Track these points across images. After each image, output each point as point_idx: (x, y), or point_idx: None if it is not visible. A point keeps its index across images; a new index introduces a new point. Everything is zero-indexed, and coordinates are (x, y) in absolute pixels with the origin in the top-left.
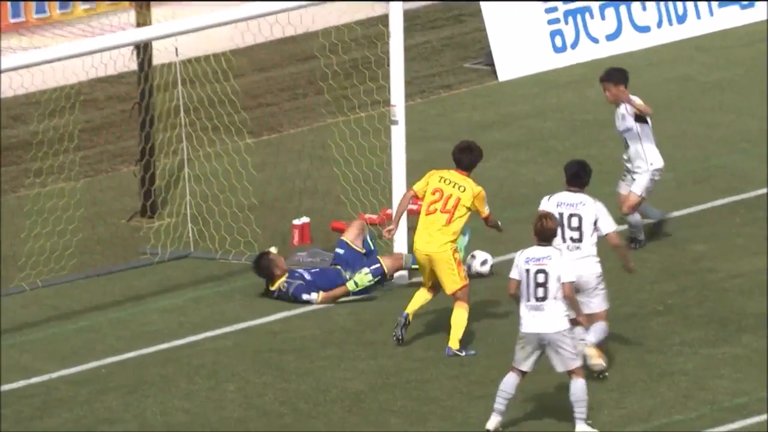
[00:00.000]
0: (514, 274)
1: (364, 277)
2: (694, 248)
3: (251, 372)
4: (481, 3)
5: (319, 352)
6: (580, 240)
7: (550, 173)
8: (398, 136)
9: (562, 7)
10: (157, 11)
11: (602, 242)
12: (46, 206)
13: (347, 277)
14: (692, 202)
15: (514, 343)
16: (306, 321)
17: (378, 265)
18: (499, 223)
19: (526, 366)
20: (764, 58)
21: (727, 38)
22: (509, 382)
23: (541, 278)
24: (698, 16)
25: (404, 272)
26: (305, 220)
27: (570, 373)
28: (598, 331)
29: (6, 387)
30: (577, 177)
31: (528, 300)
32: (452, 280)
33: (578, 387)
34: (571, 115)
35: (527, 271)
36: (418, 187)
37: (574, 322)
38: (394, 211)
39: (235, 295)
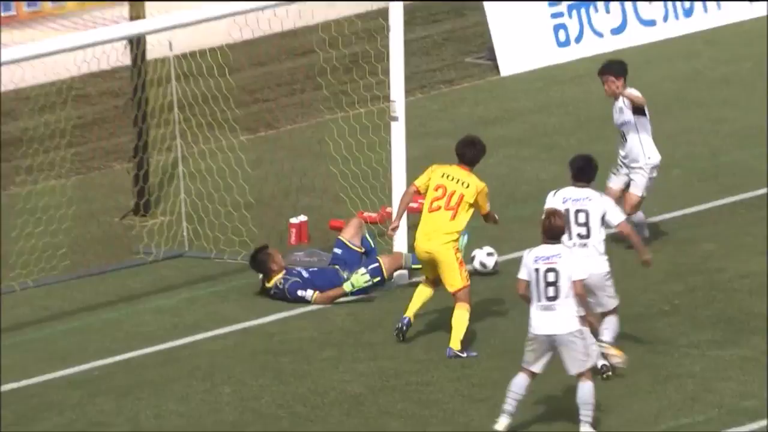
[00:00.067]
0: (522, 274)
1: (360, 277)
2: (701, 247)
3: (247, 374)
4: None
5: (317, 353)
6: (587, 236)
7: (553, 170)
8: (398, 132)
9: (566, 0)
10: (150, 4)
11: (606, 242)
12: (37, 204)
13: (345, 277)
14: (699, 199)
15: (517, 345)
16: (303, 322)
17: (376, 265)
18: (496, 216)
19: (537, 367)
20: None
21: (734, 32)
22: (519, 383)
23: (551, 277)
24: (705, 10)
25: (404, 272)
26: (303, 218)
27: (578, 375)
28: (612, 328)
29: None
30: (583, 172)
31: (539, 300)
32: (454, 279)
33: (585, 389)
34: (575, 110)
35: (536, 270)
36: (419, 182)
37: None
38: (394, 209)
39: (230, 295)
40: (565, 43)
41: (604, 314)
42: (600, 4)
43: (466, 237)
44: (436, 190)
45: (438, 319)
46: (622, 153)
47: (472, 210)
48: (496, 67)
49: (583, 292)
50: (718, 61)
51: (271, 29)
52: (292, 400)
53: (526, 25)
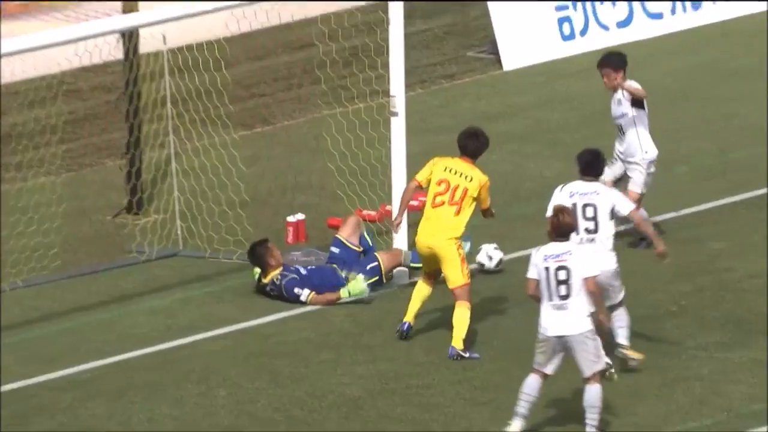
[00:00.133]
0: (531, 273)
1: (358, 284)
2: (710, 246)
3: (243, 377)
4: None
5: (315, 355)
6: (595, 231)
7: (557, 167)
8: (398, 128)
9: None
10: None
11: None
12: (27, 202)
13: (344, 275)
14: (708, 197)
15: (520, 346)
16: (301, 323)
17: (375, 264)
18: (493, 210)
19: (550, 369)
20: None
21: (744, 25)
22: (531, 384)
23: (562, 275)
24: (714, 2)
25: (404, 271)
26: (300, 216)
27: (586, 378)
28: (625, 326)
29: None
30: (591, 166)
31: (550, 299)
32: (455, 275)
33: (593, 392)
34: (580, 105)
35: (546, 269)
36: (421, 176)
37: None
38: (394, 206)
39: (226, 295)
40: (570, 37)
41: (611, 308)
42: None
43: (468, 245)
44: (439, 184)
45: (438, 319)
46: (619, 147)
47: (474, 204)
48: (499, 61)
49: (596, 289)
50: (727, 55)
51: (268, 21)
52: (289, 404)
53: (529, 18)
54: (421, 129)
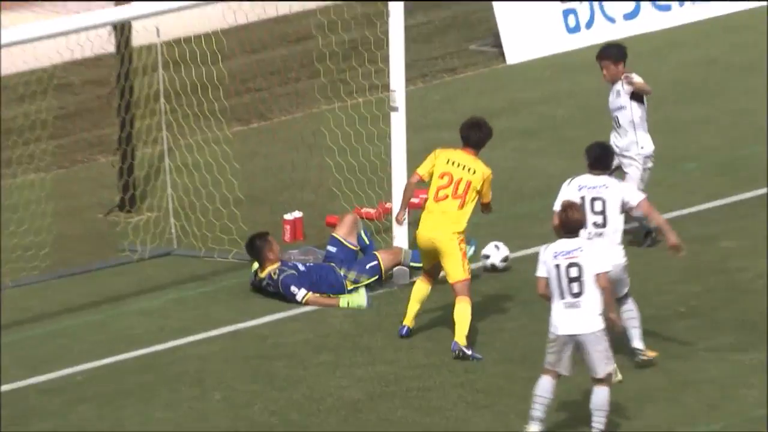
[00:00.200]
0: (541, 271)
1: (359, 298)
2: (720, 245)
3: (239, 380)
4: None
5: (313, 357)
6: (603, 225)
7: (563, 164)
8: (398, 123)
9: None
10: None
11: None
12: (16, 200)
13: (342, 273)
14: (718, 194)
15: (524, 349)
16: (298, 324)
17: (375, 263)
18: (492, 205)
19: (563, 368)
20: None
21: (755, 18)
22: (545, 386)
23: (574, 272)
24: None
25: (405, 271)
26: (297, 214)
27: (596, 380)
28: (637, 325)
29: None
30: (600, 160)
31: (562, 297)
32: (456, 269)
33: (601, 395)
34: (586, 100)
35: (557, 266)
36: (423, 169)
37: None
38: (395, 204)
39: (221, 296)
40: (575, 29)
41: (619, 301)
42: None
43: (473, 248)
44: (442, 177)
45: (439, 320)
46: (614, 140)
47: (477, 198)
48: (502, 54)
49: (608, 285)
50: (737, 48)
51: (265, 13)
52: (286, 407)
53: (533, 10)
54: (421, 125)
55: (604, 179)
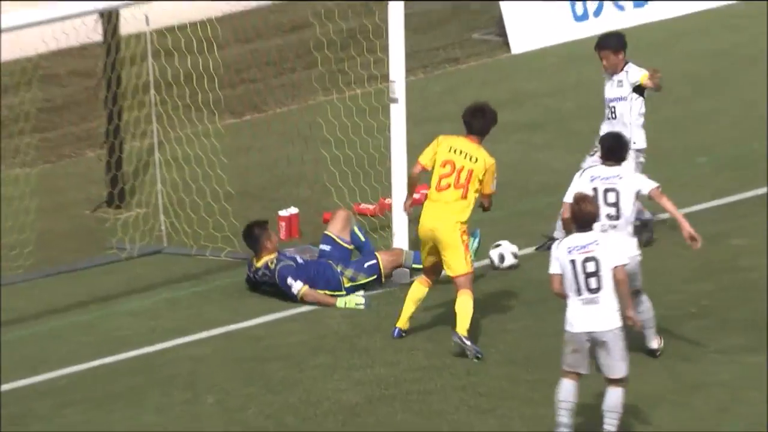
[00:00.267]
0: (554, 268)
1: (354, 299)
2: (732, 243)
3: (232, 383)
4: None
5: (309, 359)
6: (617, 217)
7: (569, 159)
8: (398, 115)
9: None
10: None
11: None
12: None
13: (339, 270)
14: (729, 190)
15: (528, 351)
16: (294, 325)
17: (374, 262)
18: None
19: (583, 368)
20: None
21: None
22: (567, 389)
23: (591, 267)
24: None
25: (404, 270)
26: (293, 211)
27: (611, 381)
28: (652, 326)
29: None
30: (613, 152)
31: (579, 294)
32: (457, 263)
33: (615, 396)
34: (594, 92)
35: (572, 262)
36: (424, 158)
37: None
38: (394, 199)
39: (213, 295)
40: (583, 17)
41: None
42: None
43: (476, 240)
44: (444, 166)
45: (440, 320)
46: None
47: (479, 187)
48: (507, 44)
49: (626, 278)
50: (750, 38)
51: (259, 1)
52: (282, 411)
53: None
54: (422, 117)
55: (618, 170)
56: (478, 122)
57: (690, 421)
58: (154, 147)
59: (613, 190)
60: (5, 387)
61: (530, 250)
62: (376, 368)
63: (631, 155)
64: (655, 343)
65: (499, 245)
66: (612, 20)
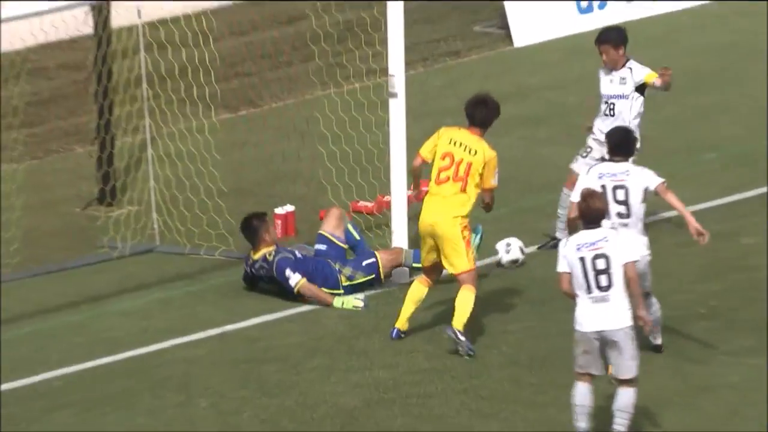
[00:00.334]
0: (562, 266)
1: (352, 300)
2: (741, 241)
3: (227, 385)
4: None
5: (306, 362)
6: (627, 215)
7: (573, 154)
8: (397, 110)
9: None
10: None
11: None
12: None
13: (337, 268)
14: (739, 187)
15: (531, 353)
16: (291, 326)
17: (373, 260)
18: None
19: (596, 369)
20: None
21: None
22: (582, 393)
23: (601, 264)
24: None
25: (404, 270)
26: (289, 208)
27: (621, 381)
28: (658, 326)
29: None
30: (621, 147)
31: (590, 292)
32: (459, 259)
33: (627, 396)
34: (598, 86)
35: (581, 259)
36: (425, 150)
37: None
38: (393, 196)
39: (208, 295)
40: (588, 10)
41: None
42: None
43: (478, 237)
44: (443, 158)
45: (441, 320)
46: (602, 128)
47: (480, 181)
48: (509, 36)
49: (636, 275)
50: (758, 32)
51: None
52: (278, 415)
53: None
54: (422, 112)
55: (626, 166)
56: (480, 113)
57: (698, 423)
58: (147, 142)
59: (622, 187)
60: None
61: (533, 248)
62: (375, 371)
63: None
64: (659, 339)
65: (509, 243)
66: (617, 13)
